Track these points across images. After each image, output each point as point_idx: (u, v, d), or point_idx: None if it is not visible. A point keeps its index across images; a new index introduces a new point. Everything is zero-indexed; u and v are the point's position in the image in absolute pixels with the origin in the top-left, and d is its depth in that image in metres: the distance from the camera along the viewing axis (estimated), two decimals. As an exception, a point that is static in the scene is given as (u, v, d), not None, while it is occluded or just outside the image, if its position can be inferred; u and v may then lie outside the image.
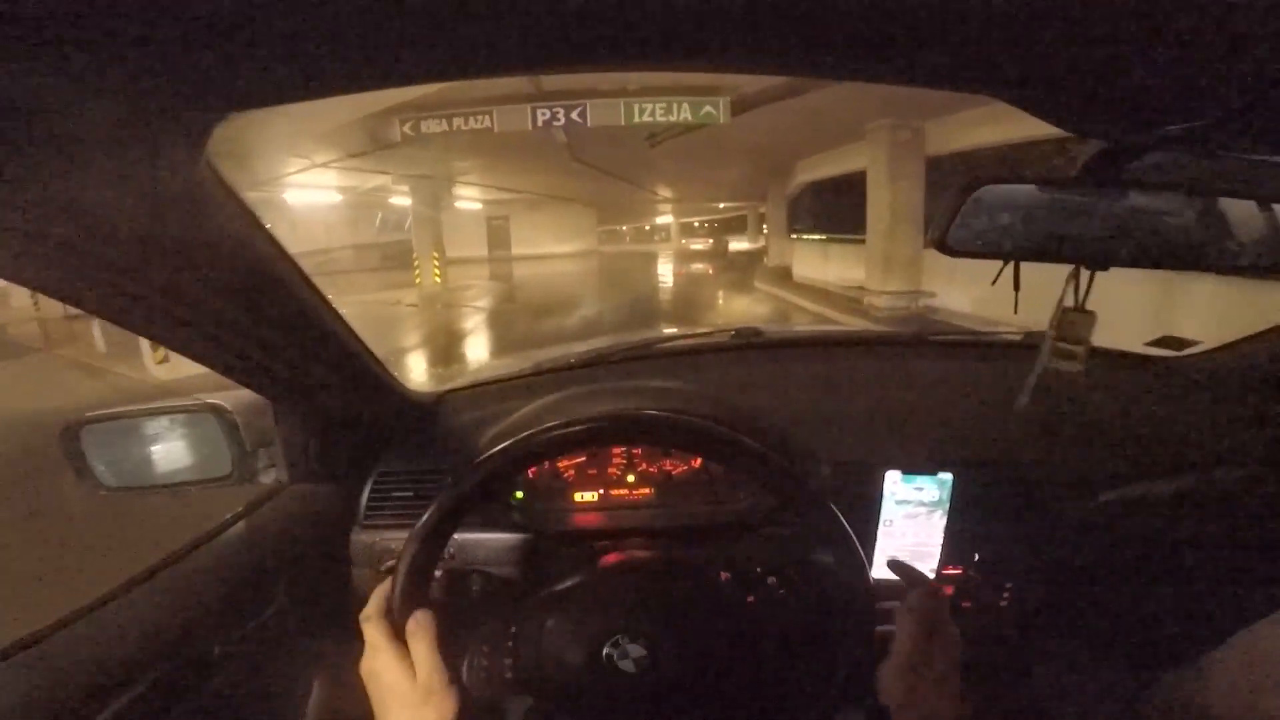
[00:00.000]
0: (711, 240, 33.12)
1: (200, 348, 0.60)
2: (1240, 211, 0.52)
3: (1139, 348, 1.12)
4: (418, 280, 16.29)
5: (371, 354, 0.82)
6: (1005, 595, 0.92)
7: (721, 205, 35.63)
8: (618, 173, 15.26)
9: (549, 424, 0.61)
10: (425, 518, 0.59)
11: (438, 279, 16.15)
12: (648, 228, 50.49)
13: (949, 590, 0.92)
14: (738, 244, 34.94)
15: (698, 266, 21.69)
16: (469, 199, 22.20)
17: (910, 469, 0.89)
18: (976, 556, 0.91)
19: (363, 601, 0.57)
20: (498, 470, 0.60)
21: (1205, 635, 0.68)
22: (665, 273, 20.71)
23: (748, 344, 1.14)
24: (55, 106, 0.33)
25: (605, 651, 0.62)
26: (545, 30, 0.30)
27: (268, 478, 0.81)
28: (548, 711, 0.71)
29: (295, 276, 0.61)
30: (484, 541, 0.86)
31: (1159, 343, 1.14)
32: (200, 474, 0.79)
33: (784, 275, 15.18)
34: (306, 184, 14.53)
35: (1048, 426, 0.94)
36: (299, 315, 0.65)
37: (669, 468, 0.94)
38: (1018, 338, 1.14)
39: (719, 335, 1.19)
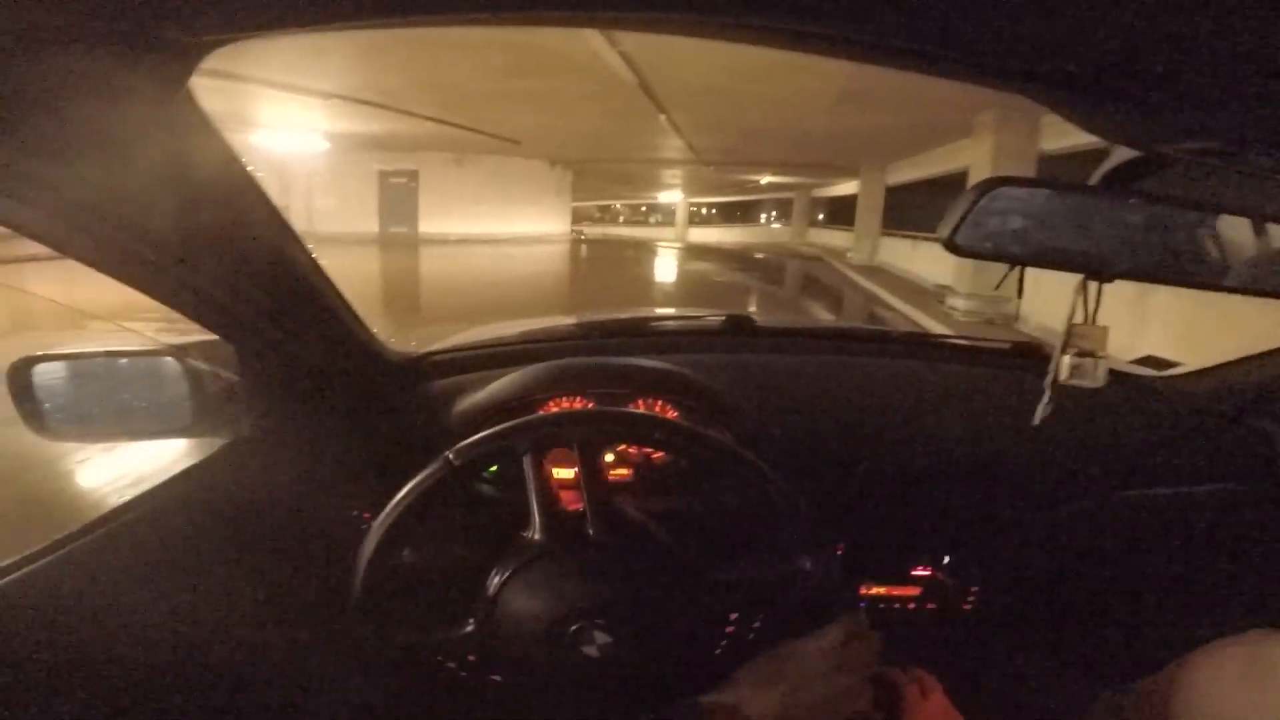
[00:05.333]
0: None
1: (161, 286, 0.57)
2: (1257, 231, 0.51)
3: (1123, 365, 1.13)
4: None
5: (350, 308, 0.79)
6: (971, 599, 0.93)
7: (764, 181, 21.77)
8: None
9: (541, 416, 0.67)
10: (403, 494, 0.61)
11: None
12: (644, 208, 39.96)
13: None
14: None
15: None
16: (287, 124, 10.65)
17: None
18: (946, 559, 0.92)
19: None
20: (484, 453, 0.63)
21: (1167, 651, 0.68)
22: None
23: (738, 330, 1.13)
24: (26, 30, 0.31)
25: (571, 632, 0.61)
26: None
27: (232, 431, 0.77)
28: (511, 689, 0.70)
29: (273, 219, 0.58)
30: (454, 512, 0.84)
31: (1143, 361, 1.15)
32: (159, 423, 0.75)
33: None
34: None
35: (1027, 435, 0.95)
36: (273, 259, 0.62)
37: (650, 451, 0.92)
38: (1006, 346, 1.14)
39: (711, 320, 1.18)
